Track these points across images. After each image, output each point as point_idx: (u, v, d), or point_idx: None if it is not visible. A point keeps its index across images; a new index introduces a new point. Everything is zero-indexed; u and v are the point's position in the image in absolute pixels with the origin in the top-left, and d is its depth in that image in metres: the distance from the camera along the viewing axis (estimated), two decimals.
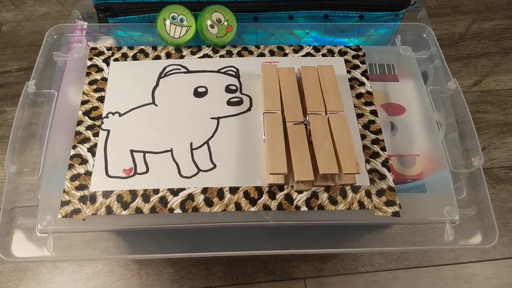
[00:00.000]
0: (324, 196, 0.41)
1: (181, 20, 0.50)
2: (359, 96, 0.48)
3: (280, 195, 0.41)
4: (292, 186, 0.41)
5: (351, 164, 0.39)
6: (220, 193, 0.41)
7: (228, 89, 0.47)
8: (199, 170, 0.42)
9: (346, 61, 0.50)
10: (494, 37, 0.73)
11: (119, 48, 0.50)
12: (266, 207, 0.40)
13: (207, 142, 0.44)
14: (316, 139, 0.41)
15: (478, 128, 0.63)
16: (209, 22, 0.50)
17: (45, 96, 0.47)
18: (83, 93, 0.47)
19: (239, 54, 0.50)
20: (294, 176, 0.39)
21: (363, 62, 0.50)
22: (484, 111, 0.65)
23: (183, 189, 0.41)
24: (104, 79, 0.48)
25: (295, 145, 0.41)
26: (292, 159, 0.40)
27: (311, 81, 0.45)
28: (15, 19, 0.71)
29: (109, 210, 0.40)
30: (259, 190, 0.41)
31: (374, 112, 0.46)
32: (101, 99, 0.46)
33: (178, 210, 0.40)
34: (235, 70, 0.49)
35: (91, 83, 0.47)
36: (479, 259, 0.55)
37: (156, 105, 0.46)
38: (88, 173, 0.42)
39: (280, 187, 0.41)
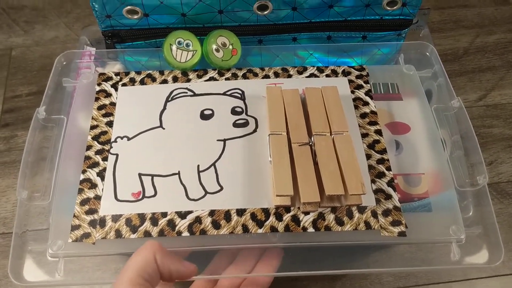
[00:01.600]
0: (330, 217, 0.41)
1: (187, 45, 0.51)
2: (363, 116, 0.48)
3: (287, 217, 0.41)
4: (298, 208, 0.42)
5: (357, 185, 0.40)
6: (227, 216, 0.41)
7: (234, 111, 0.48)
8: (206, 192, 0.43)
9: (350, 81, 0.51)
10: (498, 51, 0.73)
11: (127, 73, 0.51)
12: (273, 229, 0.41)
13: (213, 164, 0.44)
14: (322, 160, 0.42)
15: (484, 143, 0.63)
16: (214, 46, 0.51)
17: (55, 121, 0.48)
18: (92, 118, 0.48)
19: (244, 77, 0.51)
20: (300, 198, 0.40)
21: (366, 82, 0.51)
22: (490, 126, 0.65)
23: (190, 212, 0.41)
24: (113, 104, 0.49)
25: (300, 166, 0.41)
26: (298, 180, 0.40)
27: (315, 102, 0.46)
28: (24, 44, 0.72)
29: (118, 233, 0.40)
30: (266, 212, 0.42)
31: (378, 132, 0.47)
32: (109, 124, 0.47)
33: (186, 233, 0.41)
34: (240, 92, 0.49)
35: (100, 108, 0.48)
36: (488, 275, 0.55)
37: (164, 128, 0.47)
38: (98, 197, 0.42)
39: (287, 209, 0.42)
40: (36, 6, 0.77)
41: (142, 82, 0.51)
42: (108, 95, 0.49)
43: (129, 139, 0.46)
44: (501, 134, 0.64)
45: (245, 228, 0.41)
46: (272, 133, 0.43)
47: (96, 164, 0.44)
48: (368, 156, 0.45)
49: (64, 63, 0.53)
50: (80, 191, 0.43)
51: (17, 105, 0.67)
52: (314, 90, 0.47)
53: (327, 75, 0.51)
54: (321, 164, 0.41)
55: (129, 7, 0.49)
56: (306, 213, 0.41)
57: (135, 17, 0.51)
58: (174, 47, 0.50)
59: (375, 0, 0.51)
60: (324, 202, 0.41)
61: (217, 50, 0.51)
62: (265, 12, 0.51)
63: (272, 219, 0.41)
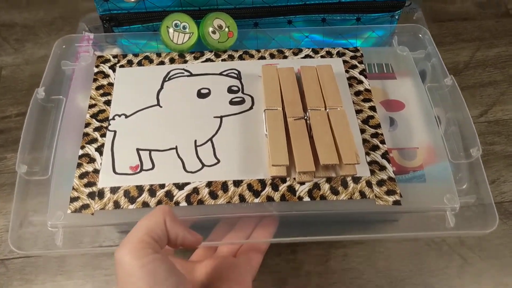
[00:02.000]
0: (326, 187, 0.42)
1: (184, 27, 0.52)
2: (357, 93, 0.49)
3: (283, 187, 0.42)
4: (294, 178, 0.42)
5: (351, 155, 0.40)
6: (224, 186, 0.42)
7: (230, 90, 0.49)
8: (203, 165, 0.43)
9: (345, 61, 0.51)
10: (499, 65, 0.70)
11: (124, 56, 0.52)
12: (270, 199, 0.41)
13: (210, 139, 0.45)
14: (317, 133, 0.42)
15: (486, 161, 0.60)
16: (210, 29, 0.51)
17: (54, 101, 0.49)
18: (91, 97, 0.48)
19: (241, 58, 0.52)
20: (296, 168, 0.40)
21: (361, 62, 0.51)
22: (491, 143, 0.62)
23: (188, 183, 0.42)
24: (111, 84, 0.49)
25: (296, 139, 0.42)
26: (293, 151, 0.41)
27: (310, 79, 0.47)
28: (14, 63, 0.71)
29: (116, 204, 0.41)
30: (262, 182, 0.42)
31: (372, 108, 0.48)
32: (107, 103, 0.48)
33: (183, 203, 0.41)
34: (236, 72, 0.50)
35: (98, 88, 0.49)
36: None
37: (161, 107, 0.47)
38: (96, 171, 0.43)
39: (283, 180, 0.42)
40: (27, 24, 0.75)
41: (139, 64, 0.51)
42: (106, 76, 0.50)
43: (126, 116, 0.47)
44: (504, 152, 0.62)
45: (242, 198, 0.41)
46: (267, 109, 0.44)
47: (94, 140, 0.45)
48: (363, 131, 0.46)
49: (64, 46, 0.53)
50: (79, 165, 0.43)
51: (6, 126, 0.64)
52: (309, 69, 0.48)
53: (322, 56, 0.52)
54: (316, 137, 0.42)
55: None
56: (302, 183, 0.42)
57: (132, 0, 0.51)
58: (171, 30, 0.51)
59: None
60: (319, 172, 0.41)
61: (214, 32, 0.52)
62: None
63: (268, 189, 0.42)
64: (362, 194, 0.42)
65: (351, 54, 0.52)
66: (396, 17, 0.55)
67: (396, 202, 0.42)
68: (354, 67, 0.51)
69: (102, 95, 0.48)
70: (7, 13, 0.75)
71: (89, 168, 0.43)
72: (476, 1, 0.77)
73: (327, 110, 0.44)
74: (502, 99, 0.66)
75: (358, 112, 0.47)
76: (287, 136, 0.42)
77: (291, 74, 0.48)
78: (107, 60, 0.52)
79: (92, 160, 0.44)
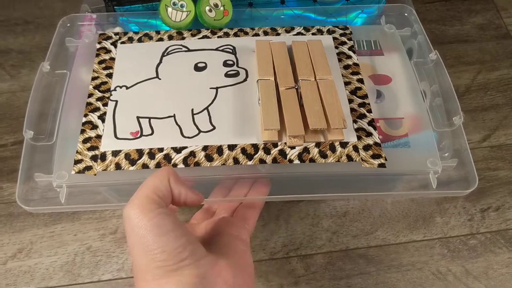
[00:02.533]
0: (315, 151, 0.45)
1: (182, 6, 0.54)
2: (346, 67, 0.52)
3: (274, 151, 0.44)
4: (285, 143, 0.45)
5: (339, 121, 0.43)
6: (220, 150, 0.44)
7: (225, 64, 0.51)
8: (199, 131, 0.46)
9: (334, 38, 0.54)
10: (501, 88, 0.69)
11: (125, 33, 0.55)
12: (262, 161, 0.44)
13: (207, 108, 0.47)
14: (307, 101, 0.45)
15: (490, 187, 0.60)
16: (207, 7, 0.54)
17: (58, 75, 0.51)
18: (93, 70, 0.51)
19: (236, 35, 0.54)
20: (286, 132, 0.43)
21: (350, 39, 0.54)
22: (495, 168, 0.61)
23: (185, 147, 0.45)
24: (112, 59, 0.52)
25: (287, 107, 0.45)
26: (284, 118, 0.44)
27: (301, 53, 0.50)
28: (10, 89, 0.69)
29: (118, 166, 0.44)
30: (255, 147, 0.45)
31: (360, 80, 0.50)
32: (109, 75, 0.50)
33: (181, 165, 0.44)
34: (232, 47, 0.53)
35: (100, 62, 0.52)
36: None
37: (160, 79, 0.50)
38: (99, 137, 0.46)
39: (275, 144, 0.45)
40: (23, 49, 0.74)
41: (139, 41, 0.54)
42: (108, 51, 0.53)
43: (127, 88, 0.49)
44: (508, 177, 0.61)
45: (236, 161, 0.44)
46: (260, 79, 0.47)
47: (97, 109, 0.48)
48: (350, 101, 0.49)
49: (68, 25, 0.56)
50: (82, 131, 0.46)
51: (2, 155, 0.63)
52: (300, 43, 0.51)
53: (313, 34, 0.55)
54: (306, 104, 0.45)
55: None
56: (292, 148, 0.45)
57: None
58: (169, 8, 0.54)
59: None
60: (308, 136, 0.44)
61: (210, 11, 0.54)
62: None
63: (260, 152, 0.44)
64: (349, 157, 0.44)
65: (341, 31, 0.55)
66: None
67: (381, 165, 0.44)
68: (343, 43, 0.54)
69: (104, 68, 0.51)
70: (2, 39, 0.75)
71: (92, 134, 0.46)
72: (476, 23, 0.76)
73: (317, 80, 0.47)
74: (505, 123, 0.65)
75: (346, 83, 0.50)
76: (278, 104, 0.45)
77: (283, 48, 0.50)
78: (109, 37, 0.54)
79: (94, 126, 0.46)
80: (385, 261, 0.55)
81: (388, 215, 0.57)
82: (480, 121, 0.66)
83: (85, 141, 0.45)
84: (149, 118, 0.47)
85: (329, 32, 0.55)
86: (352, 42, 0.54)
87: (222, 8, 0.55)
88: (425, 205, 0.58)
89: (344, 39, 0.54)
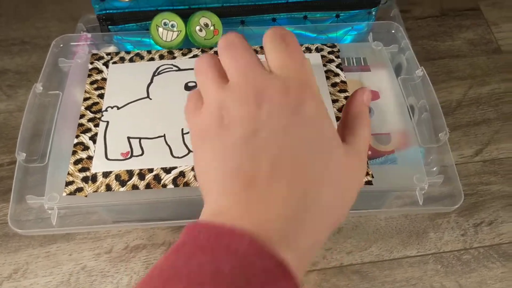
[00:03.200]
0: None
1: (172, 26, 0.55)
2: (334, 85, 0.52)
3: None
4: None
5: None
6: None
7: None
8: (189, 151, 0.46)
9: (322, 56, 0.55)
10: (492, 102, 0.69)
11: (117, 53, 0.56)
12: None
13: None
14: None
15: (483, 201, 0.60)
16: (197, 27, 0.55)
17: (51, 96, 0.52)
18: (85, 91, 0.52)
19: None
20: None
21: (337, 57, 0.55)
22: (488, 183, 0.61)
23: (175, 168, 0.45)
24: (104, 79, 0.53)
25: None
26: None
27: None
28: (7, 109, 0.69)
29: (108, 187, 0.44)
30: None
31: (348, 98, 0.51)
32: (101, 96, 0.51)
33: (170, 186, 0.44)
34: None
35: (92, 83, 0.52)
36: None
37: (151, 99, 0.51)
38: (90, 158, 0.46)
39: None
40: (19, 69, 0.73)
41: (131, 60, 0.55)
42: (100, 71, 0.54)
43: (118, 108, 0.50)
44: (500, 192, 0.61)
45: None
46: None
47: (88, 130, 0.48)
48: (338, 118, 0.49)
49: (61, 45, 0.57)
50: (74, 152, 0.47)
51: None
52: None
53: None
54: None
55: None
56: None
57: (127, 0, 0.55)
58: (160, 28, 0.55)
59: None
60: None
61: (200, 30, 0.55)
62: None
63: None
64: None
65: (329, 49, 0.56)
66: (373, 13, 0.59)
67: (368, 182, 0.45)
68: (331, 61, 0.54)
69: (96, 89, 0.52)
70: None
71: (83, 155, 0.46)
72: (467, 38, 0.77)
73: None
74: (497, 137, 0.66)
75: (334, 101, 0.51)
76: None
77: None
78: (101, 58, 0.55)
79: (86, 147, 0.47)
80: (379, 277, 0.55)
81: (382, 231, 0.57)
82: (472, 136, 0.66)
83: (76, 162, 0.46)
84: (140, 139, 0.47)
85: (317, 50, 0.56)
86: (340, 60, 0.55)
87: (212, 27, 0.56)
88: (418, 221, 0.58)
89: (332, 56, 0.55)
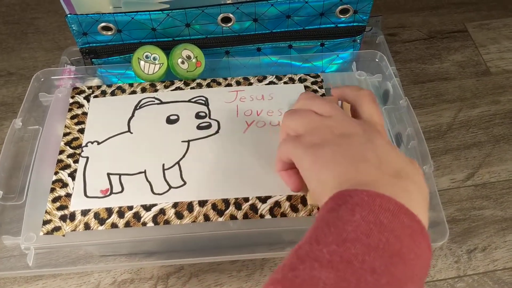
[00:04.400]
0: (286, 205, 0.44)
1: (154, 58, 0.55)
2: None
3: (245, 206, 0.44)
4: (257, 197, 0.45)
5: None
6: (190, 207, 0.44)
7: (198, 116, 0.51)
8: (170, 187, 0.46)
9: (306, 87, 0.54)
10: (483, 125, 0.69)
11: (98, 87, 0.55)
12: (233, 217, 0.44)
13: (178, 162, 0.47)
14: None
15: (475, 227, 0.59)
16: (179, 59, 0.55)
17: (30, 132, 0.52)
18: (65, 126, 0.51)
19: (208, 86, 0.55)
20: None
21: (321, 87, 0.54)
22: (480, 207, 0.61)
23: (155, 205, 0.44)
24: (85, 114, 0.52)
25: None
26: None
27: None
28: None
29: (87, 226, 0.43)
30: (226, 202, 0.44)
31: None
32: (81, 131, 0.50)
33: (150, 224, 0.43)
34: (204, 99, 0.53)
35: (72, 117, 0.52)
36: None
37: (132, 133, 0.50)
38: (69, 195, 0.45)
39: (246, 199, 0.45)
40: (5, 101, 0.73)
41: (112, 94, 0.54)
42: (81, 106, 0.53)
43: (99, 143, 0.49)
44: (493, 216, 0.60)
45: (207, 217, 0.44)
46: None
47: (67, 166, 0.48)
48: None
49: (42, 79, 0.56)
50: (52, 190, 0.46)
51: None
52: None
53: (285, 82, 0.55)
54: None
55: (103, 23, 0.54)
56: (264, 202, 0.44)
57: (109, 33, 0.55)
58: (142, 61, 0.54)
59: (329, 9, 0.55)
60: None
61: (183, 63, 0.55)
62: (229, 24, 0.55)
63: (231, 208, 0.44)
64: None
65: (312, 79, 0.55)
66: (358, 41, 0.59)
67: None
68: (314, 92, 0.54)
69: (76, 123, 0.51)
70: None
71: (61, 192, 0.46)
72: (456, 60, 0.77)
73: None
74: (488, 160, 0.65)
75: None
76: None
77: None
78: (82, 91, 0.54)
79: (65, 185, 0.46)
80: None
81: None
82: (463, 160, 0.65)
83: (54, 200, 0.45)
84: (120, 175, 0.47)
85: (301, 80, 0.55)
86: (323, 90, 0.54)
87: (194, 60, 0.55)
88: None
89: (315, 87, 0.54)
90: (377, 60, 0.58)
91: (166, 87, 0.55)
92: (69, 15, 0.52)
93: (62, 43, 0.80)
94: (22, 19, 0.84)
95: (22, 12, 0.85)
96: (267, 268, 0.55)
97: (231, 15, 0.54)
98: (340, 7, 0.54)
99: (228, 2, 0.53)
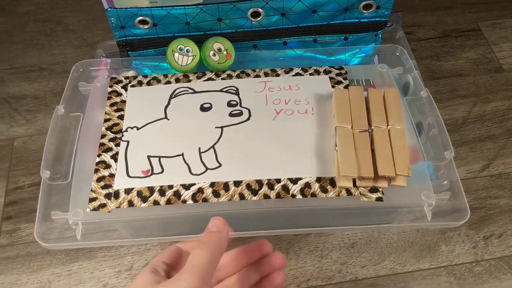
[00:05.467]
0: (315, 186, 0.47)
1: (187, 51, 0.58)
2: None
3: (277, 186, 0.47)
4: (288, 179, 0.47)
5: (404, 168, 0.46)
6: (226, 186, 0.47)
7: (229, 104, 0.54)
8: (207, 168, 0.49)
9: (331, 78, 0.57)
10: (497, 119, 0.72)
11: (135, 77, 0.58)
12: (266, 196, 0.47)
13: (213, 146, 0.50)
14: (378, 147, 0.48)
15: (491, 215, 0.62)
16: (211, 52, 0.58)
17: (72, 118, 0.55)
18: (105, 113, 0.54)
19: (238, 77, 0.58)
20: (360, 172, 0.46)
21: (345, 78, 0.57)
22: (495, 197, 0.63)
23: (193, 184, 0.47)
24: (123, 101, 0.55)
25: (359, 149, 0.48)
26: (357, 160, 0.47)
27: (376, 101, 0.52)
28: (26, 134, 0.71)
29: (130, 203, 0.46)
30: (259, 182, 0.47)
31: None
32: (121, 117, 0.54)
33: (190, 201, 0.47)
34: (235, 89, 0.56)
35: (112, 105, 0.55)
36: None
37: (168, 119, 0.53)
38: (112, 175, 0.48)
39: (277, 180, 0.47)
40: (37, 94, 0.76)
41: (148, 84, 0.57)
42: (119, 94, 0.56)
43: (138, 128, 0.52)
44: (508, 205, 0.63)
45: (242, 196, 0.47)
46: (339, 126, 0.50)
47: (109, 149, 0.51)
48: None
49: (81, 70, 0.59)
50: (96, 171, 0.49)
51: (19, 197, 0.64)
52: (376, 91, 0.53)
53: (311, 74, 0.58)
54: (377, 150, 0.48)
55: (140, 17, 0.57)
56: (295, 183, 0.47)
57: (146, 27, 0.58)
58: (176, 53, 0.57)
59: (353, 4, 0.58)
60: (375, 180, 0.47)
61: (214, 55, 0.58)
62: (258, 19, 0.58)
63: (265, 188, 0.47)
64: (348, 192, 0.47)
65: (336, 71, 0.58)
66: (380, 36, 0.62)
67: (379, 199, 0.47)
68: (339, 82, 0.57)
69: (116, 110, 0.54)
70: (17, 85, 0.77)
71: (105, 173, 0.49)
72: (470, 58, 0.80)
73: (389, 127, 0.50)
74: (503, 152, 0.68)
75: None
76: None
77: (360, 92, 0.53)
78: (119, 81, 0.58)
79: (108, 166, 0.49)
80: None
81: (395, 245, 0.59)
82: (478, 151, 0.68)
83: (99, 179, 0.48)
84: (159, 157, 0.50)
85: (326, 72, 0.58)
86: (347, 81, 0.57)
87: (225, 52, 0.58)
88: (429, 234, 0.60)
89: (340, 78, 0.57)
90: (397, 53, 0.60)
91: (198, 77, 0.58)
92: (109, 9, 0.55)
93: (90, 40, 0.83)
94: (51, 17, 0.88)
95: (51, 10, 0.89)
96: (292, 252, 0.58)
97: (260, 10, 0.57)
98: (363, 3, 0.57)
99: None
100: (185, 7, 0.55)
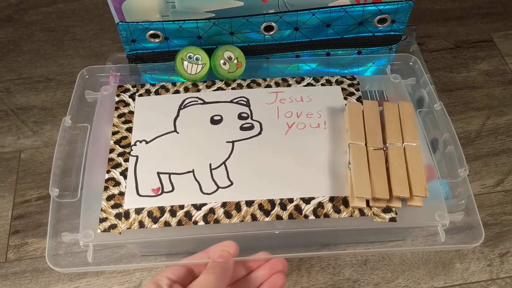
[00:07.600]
0: (328, 206, 0.46)
1: (197, 59, 0.57)
2: None
3: (290, 206, 0.46)
4: (301, 198, 0.47)
5: (421, 189, 0.45)
6: (238, 207, 0.46)
7: (240, 117, 0.53)
8: (218, 187, 0.48)
9: (343, 89, 0.56)
10: (511, 132, 0.70)
11: (142, 85, 0.57)
12: (279, 217, 0.46)
13: (224, 162, 0.49)
14: (393, 166, 0.47)
15: (507, 231, 0.60)
16: (221, 60, 0.57)
17: (80, 129, 0.54)
18: (113, 125, 0.53)
19: (249, 86, 0.57)
20: (373, 193, 0.45)
21: (357, 90, 0.56)
22: (511, 212, 0.62)
23: (205, 204, 0.46)
24: (131, 112, 0.54)
25: (374, 168, 0.46)
26: (371, 179, 0.46)
27: (392, 115, 0.51)
28: (33, 146, 0.70)
29: (141, 224, 0.45)
30: (271, 202, 0.46)
31: None
32: (129, 130, 0.53)
33: (201, 223, 0.46)
34: (246, 99, 0.55)
35: (119, 116, 0.54)
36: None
37: (178, 133, 0.52)
38: (122, 194, 0.47)
39: (290, 199, 0.46)
40: (45, 105, 0.75)
41: (156, 93, 0.56)
42: (127, 104, 0.55)
43: (147, 142, 0.51)
44: None
45: (254, 217, 0.46)
46: (352, 143, 0.48)
47: (118, 165, 0.50)
48: None
49: (86, 76, 0.58)
50: (106, 188, 0.48)
51: (27, 211, 0.63)
52: (392, 105, 0.52)
53: (322, 84, 0.57)
54: (391, 169, 0.47)
55: (151, 31, 0.55)
56: (307, 203, 0.46)
57: (157, 40, 0.57)
58: (185, 62, 0.56)
59: (367, 19, 0.56)
60: (390, 200, 0.46)
61: (224, 64, 0.57)
62: (271, 33, 0.57)
63: (277, 208, 0.46)
64: (361, 212, 0.46)
65: (349, 82, 0.57)
66: (394, 50, 0.60)
67: (392, 219, 0.46)
68: (351, 94, 0.56)
69: (124, 122, 0.53)
70: (25, 96, 0.76)
71: (115, 190, 0.48)
72: (482, 69, 0.78)
73: (404, 144, 0.48)
74: None
75: None
76: None
77: (375, 107, 0.52)
78: (126, 90, 0.57)
79: (117, 183, 0.48)
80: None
81: (408, 262, 0.58)
82: (492, 166, 0.67)
83: (108, 198, 0.47)
84: (169, 174, 0.49)
85: (338, 82, 0.57)
86: (359, 93, 0.56)
87: (235, 60, 0.57)
88: (444, 251, 0.59)
89: (352, 89, 0.56)
90: (411, 63, 0.59)
91: (208, 87, 0.57)
92: (120, 23, 0.54)
93: (97, 50, 0.82)
94: (59, 26, 0.87)
95: (58, 20, 0.87)
96: (304, 269, 0.57)
97: (273, 24, 0.56)
98: (378, 17, 0.56)
99: (270, 11, 0.54)
100: (197, 21, 0.54)
